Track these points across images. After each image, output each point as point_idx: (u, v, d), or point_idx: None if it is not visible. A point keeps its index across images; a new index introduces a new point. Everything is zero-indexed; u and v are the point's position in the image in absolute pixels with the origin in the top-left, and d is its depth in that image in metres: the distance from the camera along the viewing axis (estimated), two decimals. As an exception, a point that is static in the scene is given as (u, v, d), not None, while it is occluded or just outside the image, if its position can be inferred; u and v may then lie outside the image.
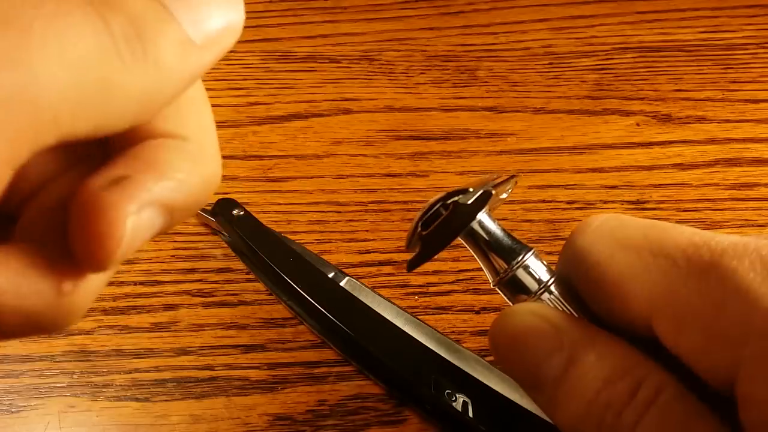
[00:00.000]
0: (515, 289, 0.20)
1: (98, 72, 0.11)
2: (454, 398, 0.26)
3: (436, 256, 0.20)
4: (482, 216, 0.20)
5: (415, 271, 0.32)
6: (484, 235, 0.20)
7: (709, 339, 0.16)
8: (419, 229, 0.20)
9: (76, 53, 0.11)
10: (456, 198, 0.19)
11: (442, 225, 0.20)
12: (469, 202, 0.19)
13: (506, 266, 0.20)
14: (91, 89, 0.11)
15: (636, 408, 0.17)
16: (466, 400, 0.26)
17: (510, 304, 0.20)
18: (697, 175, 0.36)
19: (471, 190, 0.19)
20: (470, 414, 0.25)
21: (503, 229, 0.20)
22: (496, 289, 0.21)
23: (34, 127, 0.11)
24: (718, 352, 0.16)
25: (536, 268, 0.20)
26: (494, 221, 0.20)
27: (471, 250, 0.21)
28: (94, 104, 0.11)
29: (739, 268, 0.16)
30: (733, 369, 0.16)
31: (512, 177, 0.20)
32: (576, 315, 0.19)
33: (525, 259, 0.20)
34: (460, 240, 0.21)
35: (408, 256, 0.21)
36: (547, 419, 0.25)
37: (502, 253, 0.20)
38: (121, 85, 0.12)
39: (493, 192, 0.20)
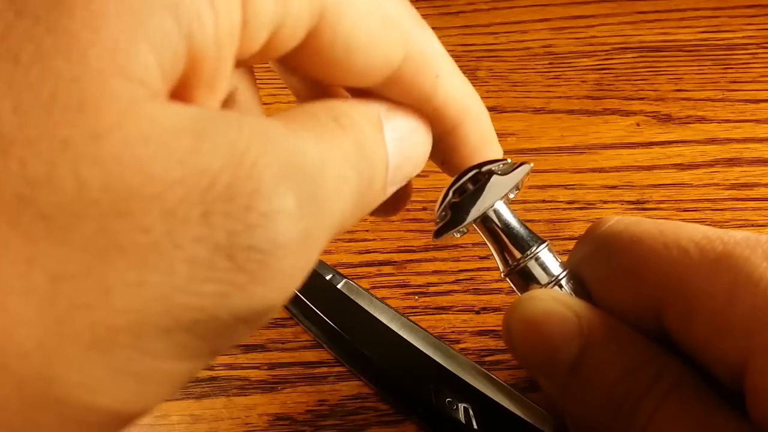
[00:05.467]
0: (525, 280, 0.20)
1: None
2: (455, 407, 0.25)
3: (459, 229, 0.20)
4: (498, 204, 0.20)
5: (415, 270, 0.32)
6: (499, 223, 0.20)
7: (718, 329, 0.16)
8: (451, 196, 0.19)
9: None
10: (492, 167, 0.19)
11: (478, 192, 0.19)
12: (507, 172, 0.19)
13: (519, 256, 0.20)
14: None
15: (655, 397, 0.17)
16: (467, 407, 0.25)
17: (519, 295, 0.20)
18: (697, 175, 0.36)
19: (509, 160, 0.19)
20: (474, 425, 0.25)
21: (518, 219, 0.20)
22: (506, 279, 0.20)
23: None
24: (727, 342, 0.16)
25: (549, 261, 0.20)
26: (510, 209, 0.20)
27: (484, 238, 0.20)
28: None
29: (752, 257, 0.16)
30: (743, 360, 0.16)
31: (525, 165, 0.20)
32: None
33: (538, 250, 0.20)
34: (459, 239, 0.21)
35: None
36: (545, 427, 0.25)
37: (516, 242, 0.20)
38: (351, 222, 0.14)
39: (531, 165, 0.19)
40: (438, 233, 0.19)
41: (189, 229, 0.10)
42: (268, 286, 0.11)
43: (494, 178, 0.19)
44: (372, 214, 0.19)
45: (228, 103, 0.17)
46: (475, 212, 0.19)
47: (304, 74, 0.15)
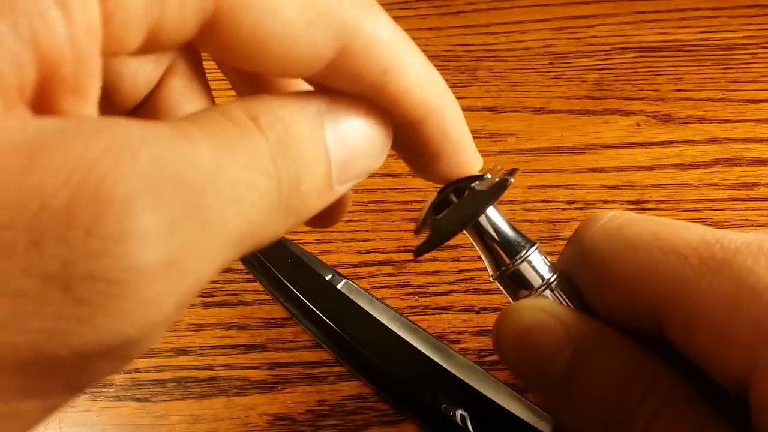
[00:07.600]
0: (516, 284, 0.19)
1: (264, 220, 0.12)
2: (451, 413, 0.25)
3: (441, 245, 0.19)
4: (482, 217, 0.19)
5: (415, 270, 0.32)
6: (489, 228, 0.19)
7: (722, 340, 0.16)
8: (431, 213, 0.19)
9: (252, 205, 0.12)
10: (472, 184, 0.18)
11: (456, 211, 0.19)
12: (486, 188, 0.18)
13: (509, 260, 0.19)
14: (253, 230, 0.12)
15: (649, 409, 0.16)
16: (463, 413, 0.25)
17: (509, 299, 0.20)
18: (697, 175, 0.36)
19: (488, 176, 0.18)
20: (470, 428, 0.25)
21: (508, 222, 0.20)
22: (496, 283, 0.20)
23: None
24: (731, 354, 0.15)
25: (539, 263, 0.19)
26: (500, 213, 0.20)
27: (473, 242, 0.20)
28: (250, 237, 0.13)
29: (755, 267, 0.15)
30: (748, 372, 0.15)
31: (514, 170, 0.20)
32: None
33: (528, 254, 0.19)
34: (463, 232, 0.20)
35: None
36: (543, 429, 0.25)
37: (505, 246, 0.19)
38: (273, 230, 0.13)
39: (512, 181, 0.19)
40: (418, 253, 0.19)
41: (15, 260, 0.09)
42: (120, 318, 0.10)
43: (473, 195, 0.18)
44: (308, 224, 0.18)
45: (152, 100, 0.16)
46: (454, 231, 0.19)
47: (229, 63, 0.14)
